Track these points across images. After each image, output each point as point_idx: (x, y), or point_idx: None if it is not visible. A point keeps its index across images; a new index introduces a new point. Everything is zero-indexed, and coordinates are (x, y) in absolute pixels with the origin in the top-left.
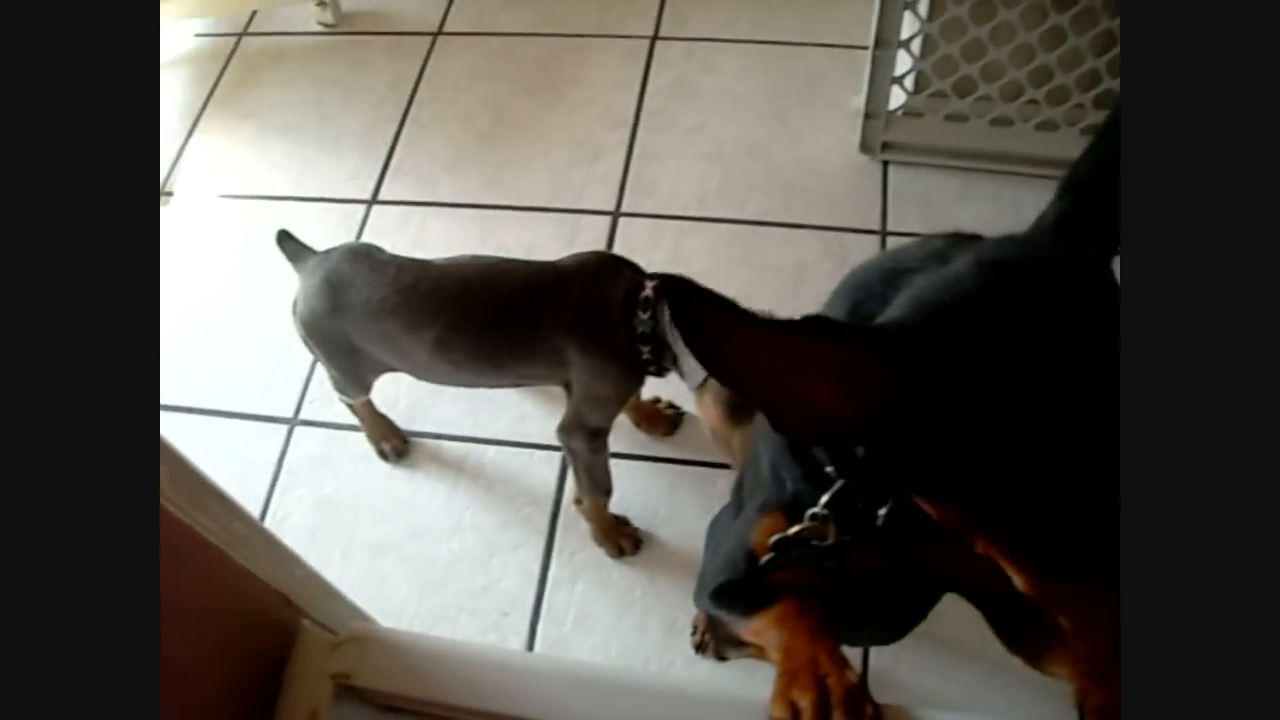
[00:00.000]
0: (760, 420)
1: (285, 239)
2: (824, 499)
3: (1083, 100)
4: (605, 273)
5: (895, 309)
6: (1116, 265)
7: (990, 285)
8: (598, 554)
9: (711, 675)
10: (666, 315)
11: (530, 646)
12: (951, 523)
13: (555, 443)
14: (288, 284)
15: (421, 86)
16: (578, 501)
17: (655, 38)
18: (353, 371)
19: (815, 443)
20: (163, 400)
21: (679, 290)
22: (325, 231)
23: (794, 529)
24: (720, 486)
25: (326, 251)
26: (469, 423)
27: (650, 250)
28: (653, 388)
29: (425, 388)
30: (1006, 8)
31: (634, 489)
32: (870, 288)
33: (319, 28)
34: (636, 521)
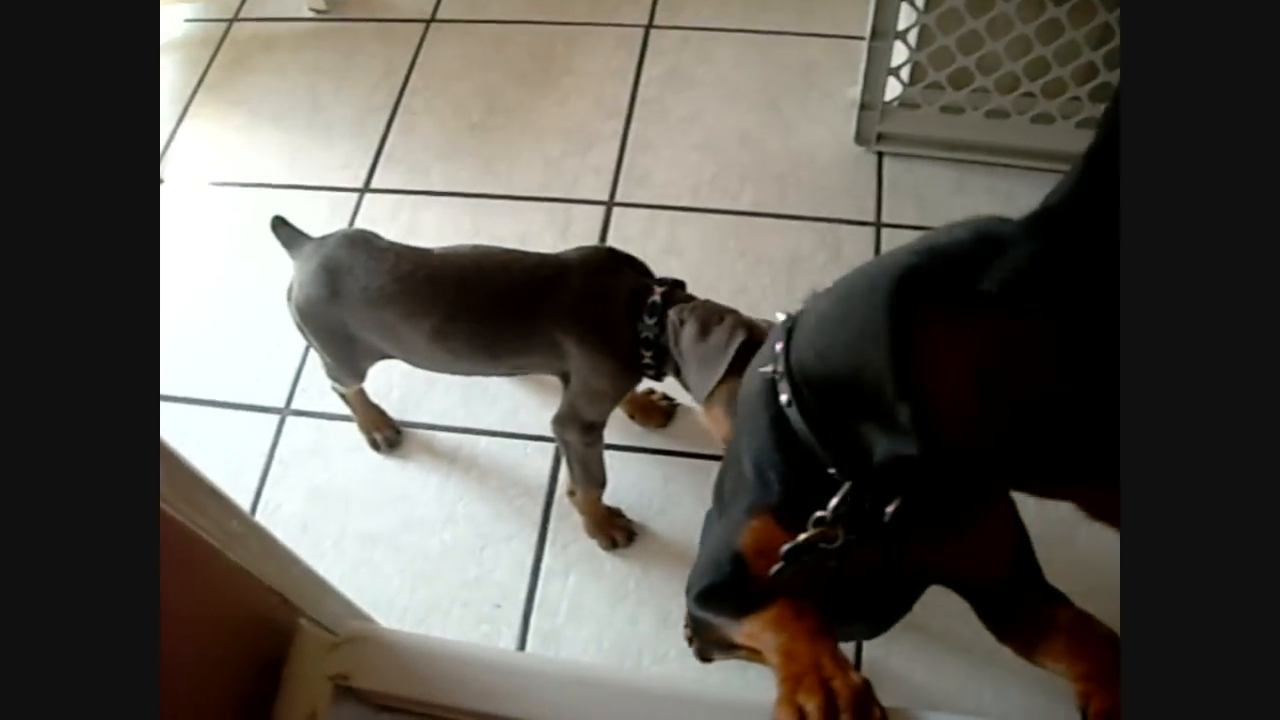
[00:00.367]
0: (741, 419)
1: (280, 225)
2: (833, 503)
3: (1079, 93)
4: (609, 269)
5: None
6: None
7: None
8: (591, 546)
9: (704, 671)
10: (676, 331)
11: (523, 638)
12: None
13: (549, 434)
14: (279, 272)
15: (414, 74)
16: (571, 493)
17: (649, 26)
18: (348, 359)
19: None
20: None
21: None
22: (317, 219)
23: (803, 536)
24: (715, 479)
25: (323, 237)
26: (462, 413)
27: (644, 240)
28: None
29: (418, 377)
30: (1004, 0)
31: (627, 481)
32: None
33: (311, 14)
34: (630, 513)
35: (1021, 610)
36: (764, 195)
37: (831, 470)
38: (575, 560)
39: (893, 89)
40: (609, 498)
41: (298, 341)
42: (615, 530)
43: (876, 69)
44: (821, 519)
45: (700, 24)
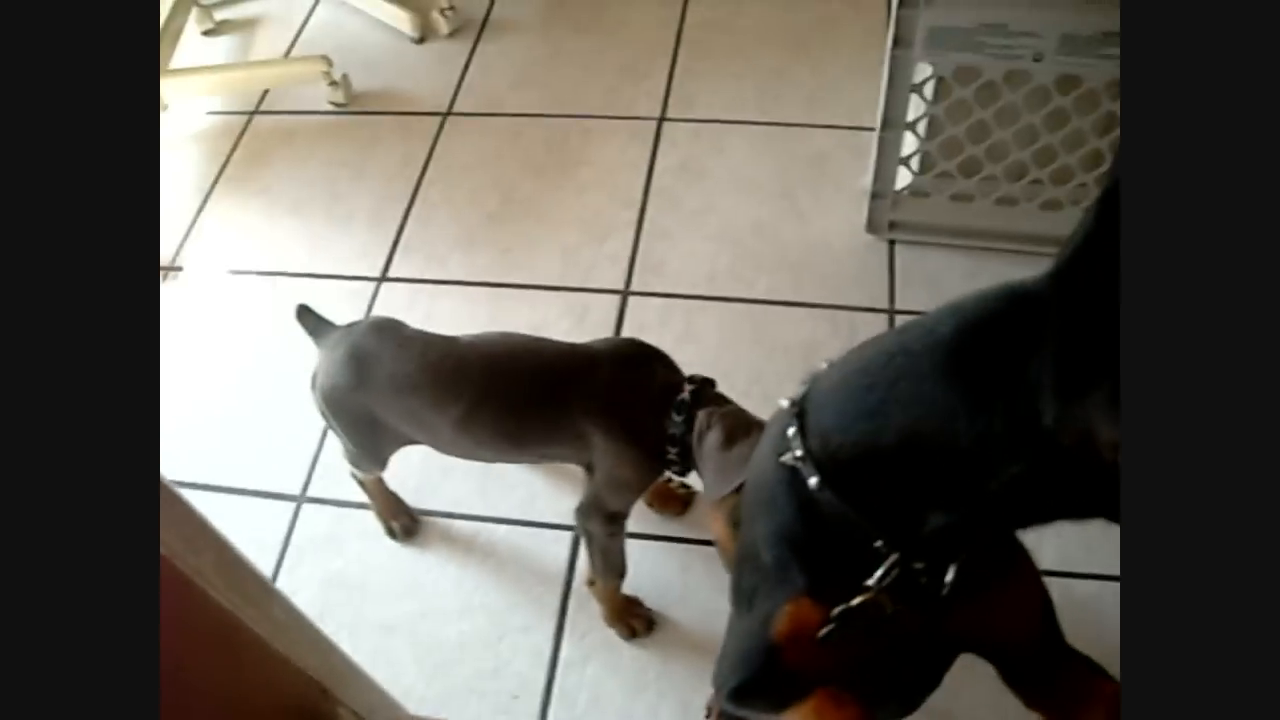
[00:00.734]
0: (753, 512)
1: (305, 313)
2: (878, 574)
3: (1086, 179)
4: (638, 361)
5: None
6: None
7: None
8: (609, 635)
9: None
10: (702, 434)
11: None
12: None
13: (566, 522)
14: (297, 359)
15: (431, 165)
16: (590, 583)
17: (662, 119)
18: (372, 446)
19: None
20: (170, 476)
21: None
22: (335, 308)
23: (857, 600)
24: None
25: (349, 325)
26: (479, 501)
27: (660, 329)
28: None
29: (435, 465)
30: (1011, 90)
31: (645, 569)
32: None
33: (330, 107)
34: (648, 602)
35: (1054, 676)
36: (778, 283)
37: (878, 543)
38: (594, 650)
39: (903, 178)
40: (628, 586)
41: (314, 428)
42: (635, 619)
43: (887, 159)
44: (868, 588)
45: (713, 116)
